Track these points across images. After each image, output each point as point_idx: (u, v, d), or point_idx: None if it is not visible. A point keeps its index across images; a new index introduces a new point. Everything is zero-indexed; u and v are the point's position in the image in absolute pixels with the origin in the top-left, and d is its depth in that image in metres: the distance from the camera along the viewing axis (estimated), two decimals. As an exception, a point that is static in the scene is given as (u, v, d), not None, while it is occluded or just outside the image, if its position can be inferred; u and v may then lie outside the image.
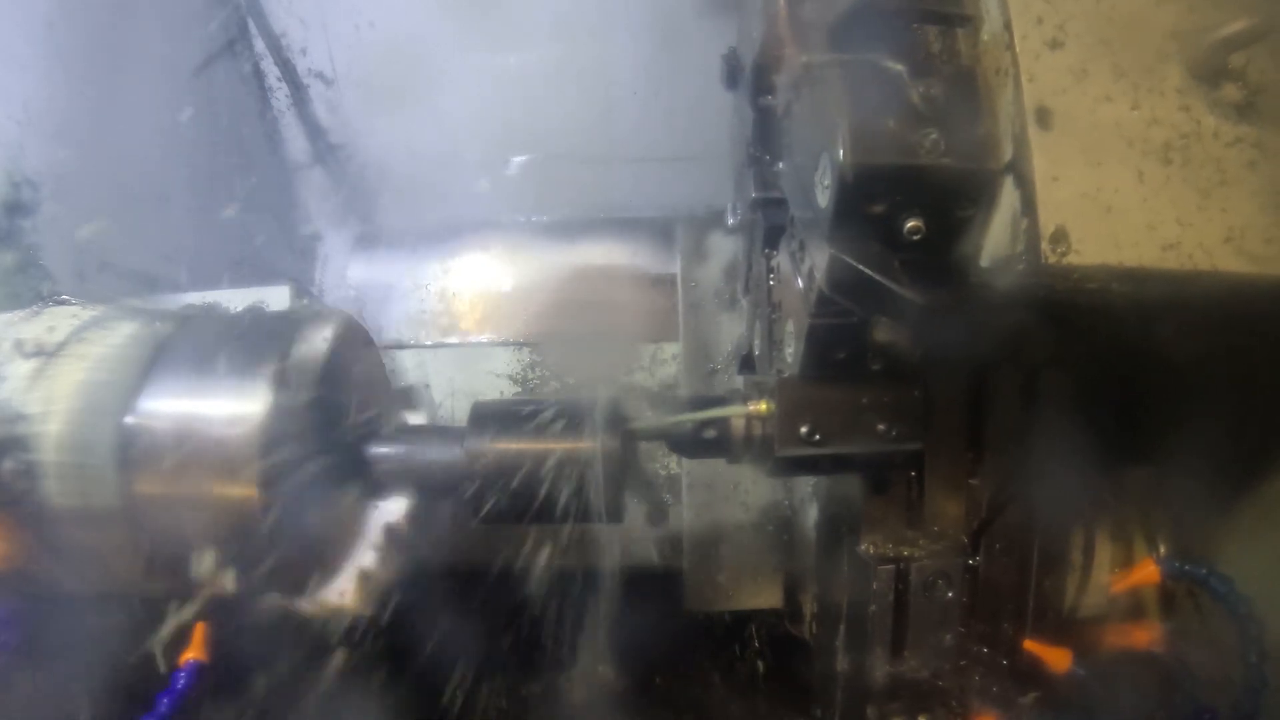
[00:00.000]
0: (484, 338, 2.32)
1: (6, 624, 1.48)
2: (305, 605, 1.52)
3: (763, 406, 1.35)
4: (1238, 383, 1.35)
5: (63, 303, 1.63)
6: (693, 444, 1.43)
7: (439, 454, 1.55)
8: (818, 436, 1.31)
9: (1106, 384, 1.43)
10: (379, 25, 2.39)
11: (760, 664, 2.10)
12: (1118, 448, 1.49)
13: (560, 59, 2.36)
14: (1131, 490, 1.55)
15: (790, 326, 1.36)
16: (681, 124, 2.41)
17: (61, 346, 1.46)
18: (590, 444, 1.40)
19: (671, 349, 2.13)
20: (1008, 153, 1.04)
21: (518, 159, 2.46)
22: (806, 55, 1.11)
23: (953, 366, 1.36)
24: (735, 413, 1.37)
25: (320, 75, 2.47)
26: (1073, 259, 1.00)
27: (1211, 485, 1.47)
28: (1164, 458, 1.50)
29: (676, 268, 2.19)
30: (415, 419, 2.07)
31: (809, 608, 1.87)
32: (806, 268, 1.23)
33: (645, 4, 2.31)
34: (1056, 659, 1.43)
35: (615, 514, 1.45)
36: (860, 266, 1.06)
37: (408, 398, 2.12)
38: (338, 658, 1.63)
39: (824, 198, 1.08)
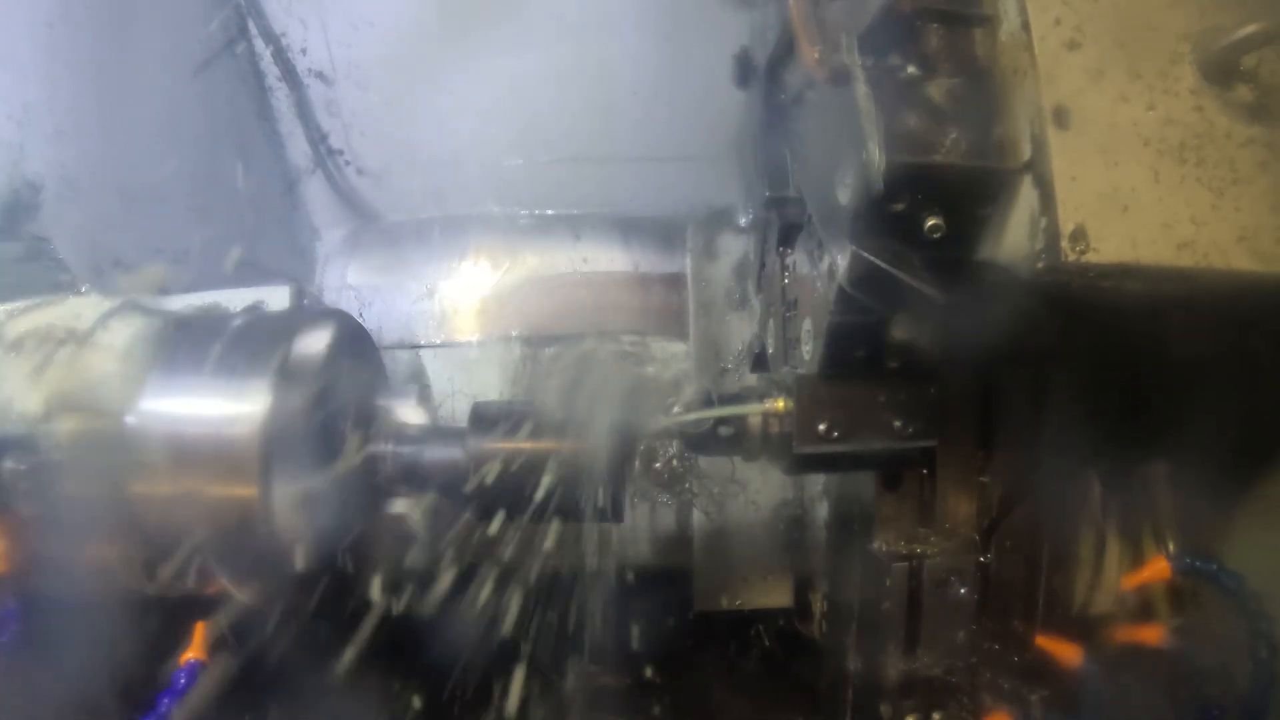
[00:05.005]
0: (484, 337, 2.31)
1: (6, 624, 1.47)
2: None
3: (780, 404, 1.35)
4: (1247, 381, 1.37)
5: (80, 294, 1.61)
6: (708, 441, 1.43)
7: (440, 454, 1.55)
8: (836, 434, 1.32)
9: (1116, 383, 1.44)
10: (379, 25, 2.38)
11: (767, 663, 2.10)
12: (1127, 446, 1.50)
13: (560, 58, 2.35)
14: (1141, 488, 1.56)
15: (808, 324, 1.36)
16: (682, 123, 2.41)
17: (63, 344, 1.45)
18: (591, 443, 1.40)
19: (678, 348, 2.12)
20: (1026, 152, 1.05)
21: (518, 158, 2.45)
22: (827, 55, 1.12)
23: (965, 365, 1.37)
24: (753, 410, 1.37)
25: (320, 75, 2.45)
26: (1091, 257, 1.01)
27: (1221, 483, 1.48)
28: (1173, 456, 1.51)
29: (686, 267, 2.19)
30: (416, 419, 2.06)
31: (818, 606, 1.87)
32: (826, 266, 1.23)
33: (645, 2, 2.31)
34: (1067, 656, 1.44)
35: (617, 513, 1.45)
36: (881, 264, 1.07)
37: (408, 398, 2.11)
38: (345, 655, 1.61)
39: (845, 196, 1.08)
